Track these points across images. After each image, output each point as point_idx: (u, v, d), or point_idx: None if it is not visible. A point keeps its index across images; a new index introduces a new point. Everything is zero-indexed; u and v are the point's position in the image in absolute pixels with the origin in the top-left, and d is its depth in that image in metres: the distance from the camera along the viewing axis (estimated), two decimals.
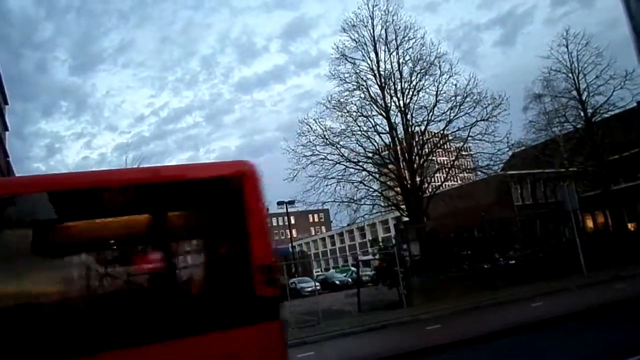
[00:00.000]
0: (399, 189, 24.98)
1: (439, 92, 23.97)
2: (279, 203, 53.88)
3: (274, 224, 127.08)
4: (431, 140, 26.37)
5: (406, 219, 25.35)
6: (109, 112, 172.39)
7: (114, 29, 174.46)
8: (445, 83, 23.96)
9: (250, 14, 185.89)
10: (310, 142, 24.32)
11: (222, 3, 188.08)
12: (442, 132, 25.59)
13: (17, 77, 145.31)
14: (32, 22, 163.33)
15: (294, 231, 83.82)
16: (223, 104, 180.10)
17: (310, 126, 24.44)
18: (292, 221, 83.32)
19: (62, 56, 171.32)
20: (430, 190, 25.18)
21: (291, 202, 46.52)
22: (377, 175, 26.33)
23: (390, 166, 25.63)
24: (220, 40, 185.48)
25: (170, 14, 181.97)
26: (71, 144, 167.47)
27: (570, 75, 29.74)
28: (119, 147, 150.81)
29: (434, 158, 26.63)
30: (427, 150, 25.10)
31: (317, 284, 34.53)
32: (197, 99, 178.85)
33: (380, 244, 34.52)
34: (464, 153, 26.56)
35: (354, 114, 24.64)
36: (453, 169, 26.59)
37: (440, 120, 24.47)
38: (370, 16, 24.60)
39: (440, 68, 24.01)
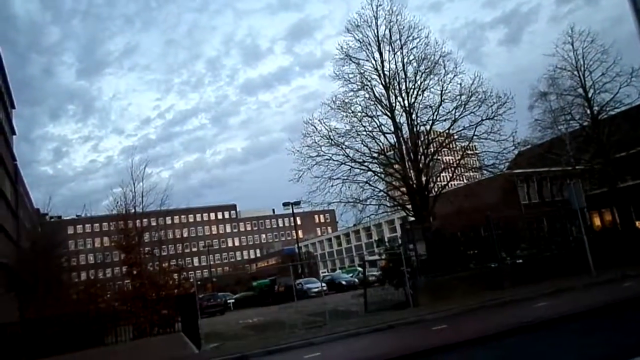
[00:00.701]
0: (404, 188, 24.94)
1: (443, 92, 23.91)
2: (285, 204, 54.00)
3: (280, 224, 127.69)
4: (436, 139, 26.29)
5: (412, 218, 25.29)
6: (115, 115, 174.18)
7: (119, 33, 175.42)
8: (450, 82, 23.89)
9: (254, 16, 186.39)
10: (315, 142, 24.37)
11: (226, 5, 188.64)
12: (447, 131, 25.50)
13: (24, 81, 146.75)
14: (39, 27, 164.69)
15: (300, 232, 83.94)
16: (228, 106, 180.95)
17: (315, 127, 24.50)
18: (298, 222, 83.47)
19: (68, 60, 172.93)
20: (436, 189, 25.11)
21: (297, 203, 46.72)
22: (383, 175, 26.28)
23: (395, 166, 25.59)
24: (225, 43, 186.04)
25: (175, 17, 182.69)
26: (78, 147, 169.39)
27: (575, 72, 29.63)
28: (126, 149, 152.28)
29: (439, 157, 26.55)
30: (432, 149, 25.05)
31: (324, 284, 34.66)
32: (202, 101, 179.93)
33: (387, 244, 34.41)
34: (469, 152, 26.48)
35: (359, 114, 24.63)
36: (459, 168, 26.47)
37: (445, 120, 24.41)
38: (374, 16, 24.59)
39: (444, 67, 23.95)
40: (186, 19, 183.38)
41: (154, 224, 33.65)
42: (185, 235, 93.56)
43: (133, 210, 30.30)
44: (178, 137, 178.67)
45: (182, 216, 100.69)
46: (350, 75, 24.73)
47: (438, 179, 25.76)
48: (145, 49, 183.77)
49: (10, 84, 39.18)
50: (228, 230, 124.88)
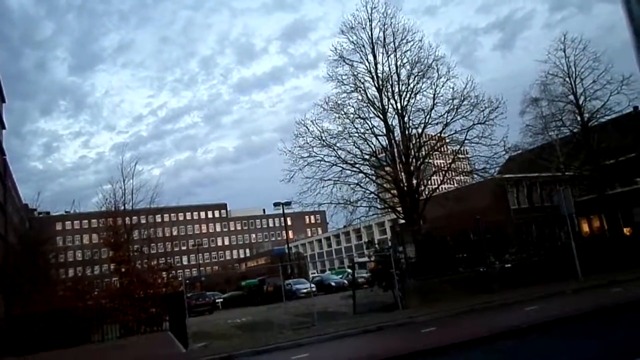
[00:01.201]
0: (395, 191, 25.00)
1: (436, 95, 24.07)
2: (276, 204, 53.82)
3: (270, 224, 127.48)
4: (428, 142, 26.38)
5: (402, 221, 25.35)
6: (107, 111, 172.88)
7: (114, 29, 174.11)
8: (442, 86, 24.05)
9: (250, 16, 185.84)
10: (307, 143, 24.40)
11: (222, 4, 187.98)
12: (439, 134, 25.62)
13: (17, 75, 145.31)
14: (33, 21, 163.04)
15: (290, 232, 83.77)
16: (221, 105, 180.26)
17: (307, 128, 24.53)
18: (289, 222, 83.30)
19: (61, 55, 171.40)
20: (426, 192, 25.21)
21: (287, 204, 46.59)
22: (374, 178, 26.35)
23: (386, 168, 25.66)
24: (220, 41, 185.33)
25: (170, 14, 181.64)
26: (69, 143, 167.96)
27: (567, 79, 29.82)
28: (117, 146, 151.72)
29: (430, 161, 26.67)
30: (424, 152, 25.14)
31: (313, 285, 34.53)
32: (195, 99, 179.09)
33: (376, 246, 34.35)
34: (460, 156, 26.61)
35: (351, 115, 24.70)
36: (450, 171, 26.61)
37: (437, 123, 24.55)
38: (368, 19, 24.68)
39: (438, 71, 24.11)
40: (181, 16, 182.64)
41: (143, 221, 33.55)
42: (174, 233, 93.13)
43: (122, 208, 30.20)
44: (170, 135, 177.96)
45: (172, 214, 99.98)
46: (344, 77, 24.85)
47: (429, 182, 25.87)
48: (140, 46, 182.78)
49: (0, 78, 38.81)
50: (218, 229, 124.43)
